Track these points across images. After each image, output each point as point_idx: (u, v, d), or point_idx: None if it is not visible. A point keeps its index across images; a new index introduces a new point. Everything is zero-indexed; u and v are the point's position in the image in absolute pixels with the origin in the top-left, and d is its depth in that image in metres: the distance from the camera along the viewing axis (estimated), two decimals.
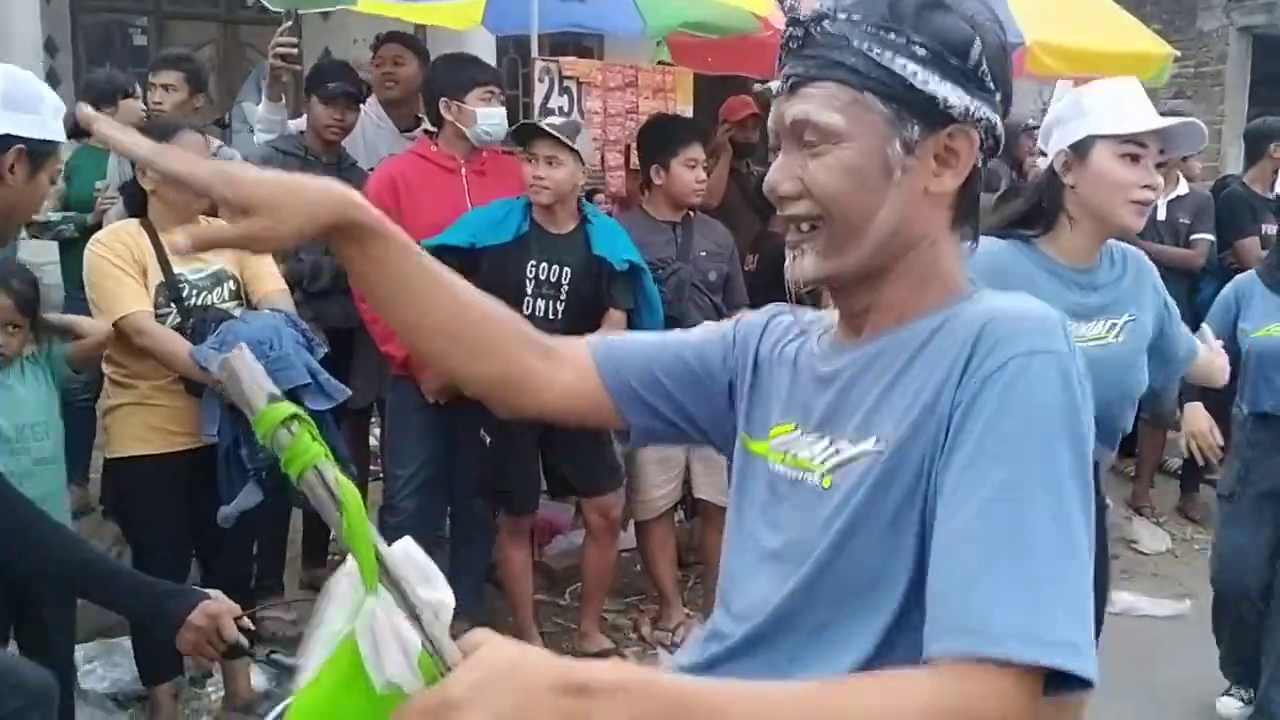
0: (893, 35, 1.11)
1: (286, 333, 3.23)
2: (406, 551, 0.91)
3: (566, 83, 4.73)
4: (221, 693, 3.60)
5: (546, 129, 3.69)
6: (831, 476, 1.14)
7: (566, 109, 4.75)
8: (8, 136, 2.23)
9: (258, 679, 3.69)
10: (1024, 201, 2.35)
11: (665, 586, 4.31)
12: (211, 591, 2.16)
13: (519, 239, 3.68)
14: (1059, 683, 0.95)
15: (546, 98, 4.69)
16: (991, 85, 1.15)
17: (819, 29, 1.15)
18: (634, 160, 5.01)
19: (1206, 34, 9.80)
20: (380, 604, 0.86)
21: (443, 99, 3.83)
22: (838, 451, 1.15)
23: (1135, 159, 2.16)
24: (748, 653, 1.18)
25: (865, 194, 1.13)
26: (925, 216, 1.15)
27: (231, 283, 3.39)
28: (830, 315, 1.29)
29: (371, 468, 4.94)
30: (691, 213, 4.13)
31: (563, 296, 3.71)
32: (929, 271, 1.17)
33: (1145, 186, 2.15)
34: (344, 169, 4.25)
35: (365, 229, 1.20)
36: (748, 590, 1.22)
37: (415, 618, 0.86)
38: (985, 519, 0.98)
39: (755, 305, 1.48)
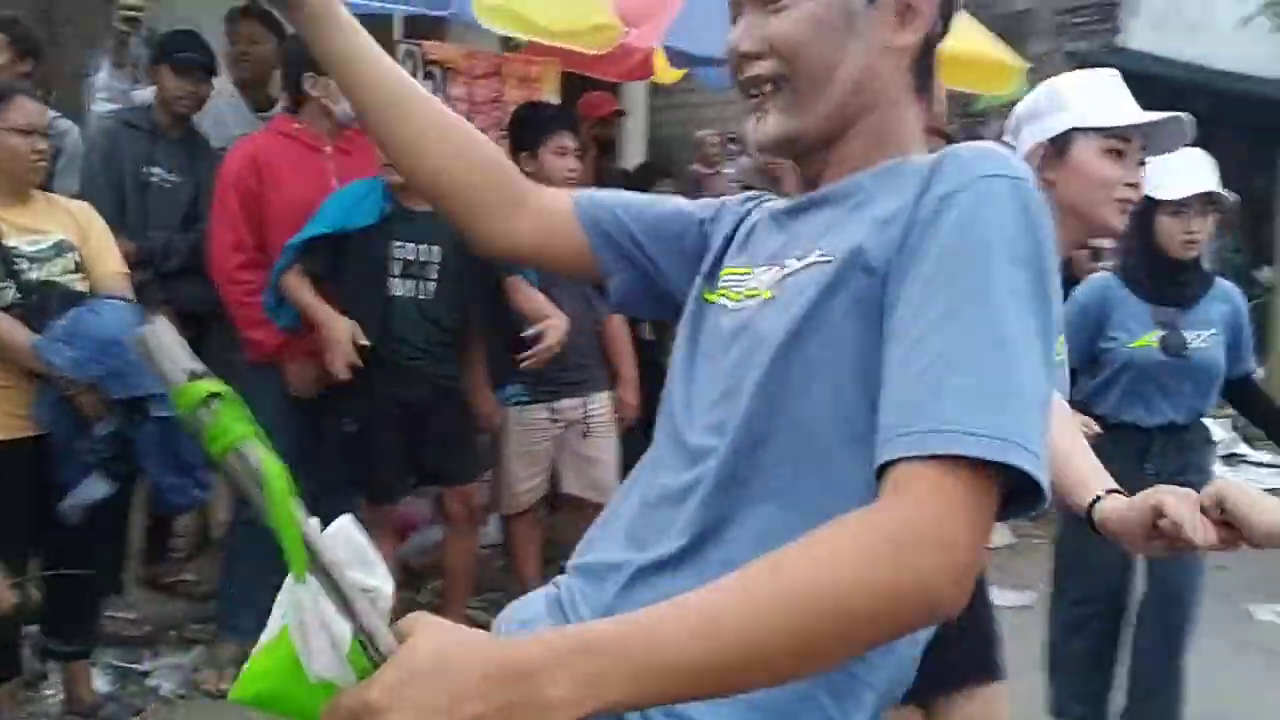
0: None
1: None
2: (344, 533, 0.84)
3: (430, 68, 4.63)
4: (61, 696, 3.37)
5: None
6: (773, 290, 1.10)
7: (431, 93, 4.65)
8: None
9: (99, 682, 3.48)
10: None
11: (528, 581, 4.24)
12: None
13: (382, 220, 3.57)
14: (1010, 501, 0.92)
15: None
16: None
17: None
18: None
19: (1036, 57, 10.32)
20: (308, 592, 0.79)
21: (308, 75, 3.68)
22: (783, 268, 1.11)
23: (1119, 154, 2.00)
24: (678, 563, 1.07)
25: (827, 44, 1.12)
26: (886, 74, 1.14)
27: (74, 255, 3.18)
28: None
29: None
30: None
31: (433, 276, 3.61)
32: (887, 132, 1.15)
33: (1130, 185, 2.00)
34: (195, 144, 4.08)
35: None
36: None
37: (347, 607, 0.79)
38: (947, 327, 0.93)
39: None
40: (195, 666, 3.72)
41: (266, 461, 0.80)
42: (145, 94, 4.12)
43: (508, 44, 4.76)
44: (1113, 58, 9.64)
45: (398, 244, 3.59)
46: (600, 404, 4.10)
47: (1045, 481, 0.90)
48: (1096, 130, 1.99)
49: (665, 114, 8.42)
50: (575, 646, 0.80)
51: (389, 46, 4.19)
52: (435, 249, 3.62)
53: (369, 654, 0.79)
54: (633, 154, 6.91)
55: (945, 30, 1.18)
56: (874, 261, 1.01)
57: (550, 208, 1.32)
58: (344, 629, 0.79)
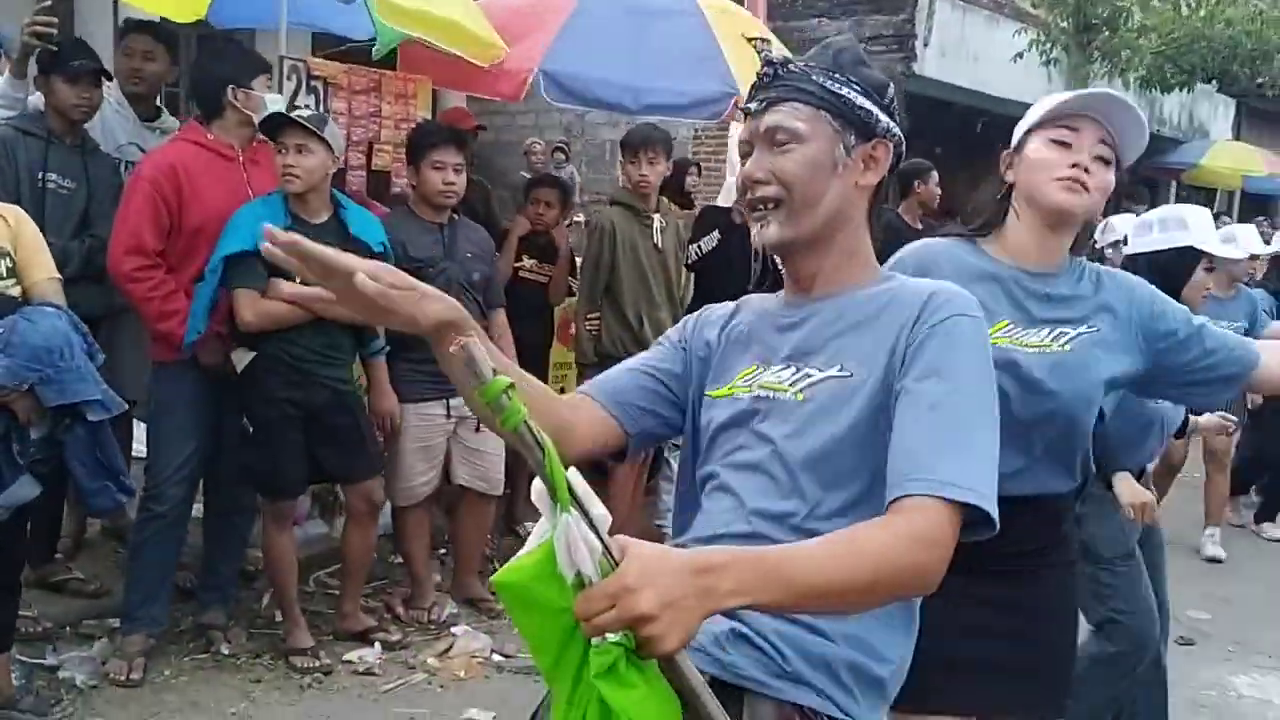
0: (838, 75, 1.60)
1: (76, 340, 3.19)
2: (579, 481, 1.20)
3: (314, 82, 4.82)
4: None
5: (295, 119, 3.82)
6: (804, 393, 1.54)
7: (313, 108, 4.84)
8: None
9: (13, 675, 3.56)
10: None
11: (419, 569, 4.51)
12: None
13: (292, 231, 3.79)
14: (971, 525, 1.39)
15: (294, 96, 4.75)
16: (897, 118, 1.64)
17: (785, 69, 1.63)
18: (375, 161, 5.20)
19: None
20: (572, 518, 1.16)
21: (230, 87, 3.85)
22: (808, 375, 1.55)
23: (1066, 145, 2.16)
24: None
25: (818, 180, 1.57)
26: (854, 204, 1.60)
27: (7, 260, 3.28)
28: (751, 300, 1.74)
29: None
30: (455, 215, 4.37)
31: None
32: (855, 247, 1.62)
33: (1073, 165, 2.13)
34: (89, 151, 4.16)
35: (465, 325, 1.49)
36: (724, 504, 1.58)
37: (593, 527, 1.17)
38: (935, 411, 1.42)
39: None
40: (103, 658, 3.83)
41: (540, 432, 1.17)
42: (37, 99, 4.16)
43: (385, 62, 4.98)
44: (908, 83, 10.55)
45: None
46: None
47: (996, 520, 1.39)
48: (1044, 123, 2.20)
49: (482, 120, 8.71)
50: (738, 559, 1.24)
51: (273, 60, 4.43)
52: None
53: (610, 559, 1.17)
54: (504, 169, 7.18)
55: (897, 166, 1.66)
56: (883, 381, 1.49)
57: (587, 420, 1.65)
58: (595, 542, 1.16)
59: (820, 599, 1.29)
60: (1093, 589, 3.19)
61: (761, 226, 1.60)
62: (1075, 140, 2.16)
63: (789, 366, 1.58)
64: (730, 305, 1.76)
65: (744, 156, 1.65)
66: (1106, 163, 2.18)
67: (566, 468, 1.17)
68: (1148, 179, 13.97)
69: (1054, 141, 2.17)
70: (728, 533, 1.53)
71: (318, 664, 3.92)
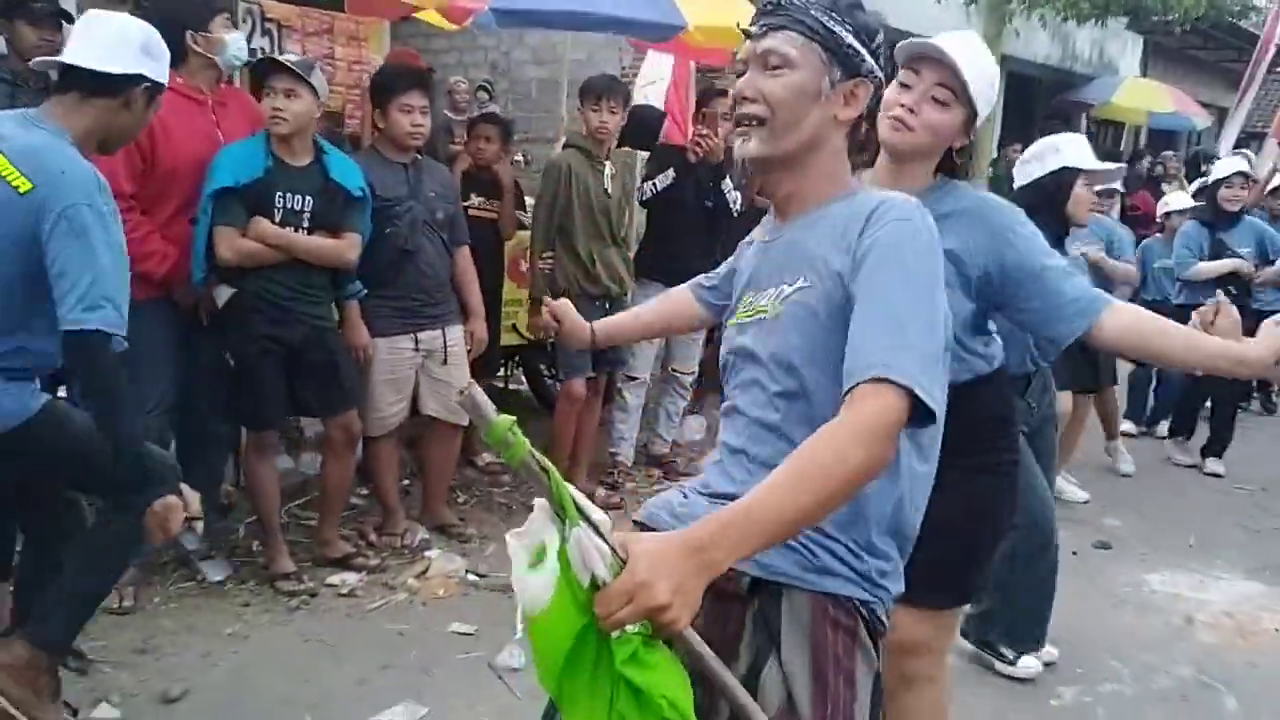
0: (834, 14, 1.76)
1: None
2: (580, 495, 1.37)
3: (268, 24, 4.89)
4: None
5: (284, 63, 3.95)
6: (779, 308, 1.71)
7: (268, 50, 4.93)
8: (140, 76, 3.00)
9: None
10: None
11: (390, 498, 4.70)
12: None
13: (267, 173, 3.92)
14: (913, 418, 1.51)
15: (249, 38, 4.83)
16: (883, 62, 1.82)
17: (789, 1, 1.77)
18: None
19: None
20: (583, 531, 1.33)
21: (189, 31, 3.93)
22: (781, 291, 1.72)
23: (907, 86, 2.39)
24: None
25: (801, 105, 1.72)
26: (831, 133, 1.75)
27: None
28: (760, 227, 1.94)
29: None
30: (420, 155, 4.51)
31: (305, 224, 4.03)
32: (831, 172, 1.77)
33: (901, 105, 2.36)
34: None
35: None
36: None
37: (601, 535, 1.34)
38: (880, 308, 1.55)
39: None
40: None
41: (543, 460, 1.34)
42: (0, 44, 4.19)
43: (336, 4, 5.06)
44: None
45: (280, 194, 3.96)
46: (456, 335, 4.61)
47: (941, 414, 1.53)
48: (897, 67, 2.43)
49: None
50: (721, 527, 1.38)
51: (232, 4, 4.50)
52: (308, 199, 4.01)
53: (618, 559, 1.33)
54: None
55: (874, 113, 1.82)
56: (839, 281, 1.64)
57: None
58: (604, 548, 1.34)
59: (800, 522, 1.45)
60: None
61: (744, 140, 1.77)
62: (915, 82, 2.38)
63: (771, 286, 1.75)
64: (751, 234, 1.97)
65: (739, 75, 1.81)
66: (942, 103, 2.36)
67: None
68: (1061, 114, 14.40)
69: (900, 84, 2.39)
70: (742, 450, 1.74)
71: (303, 587, 4.11)
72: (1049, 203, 3.74)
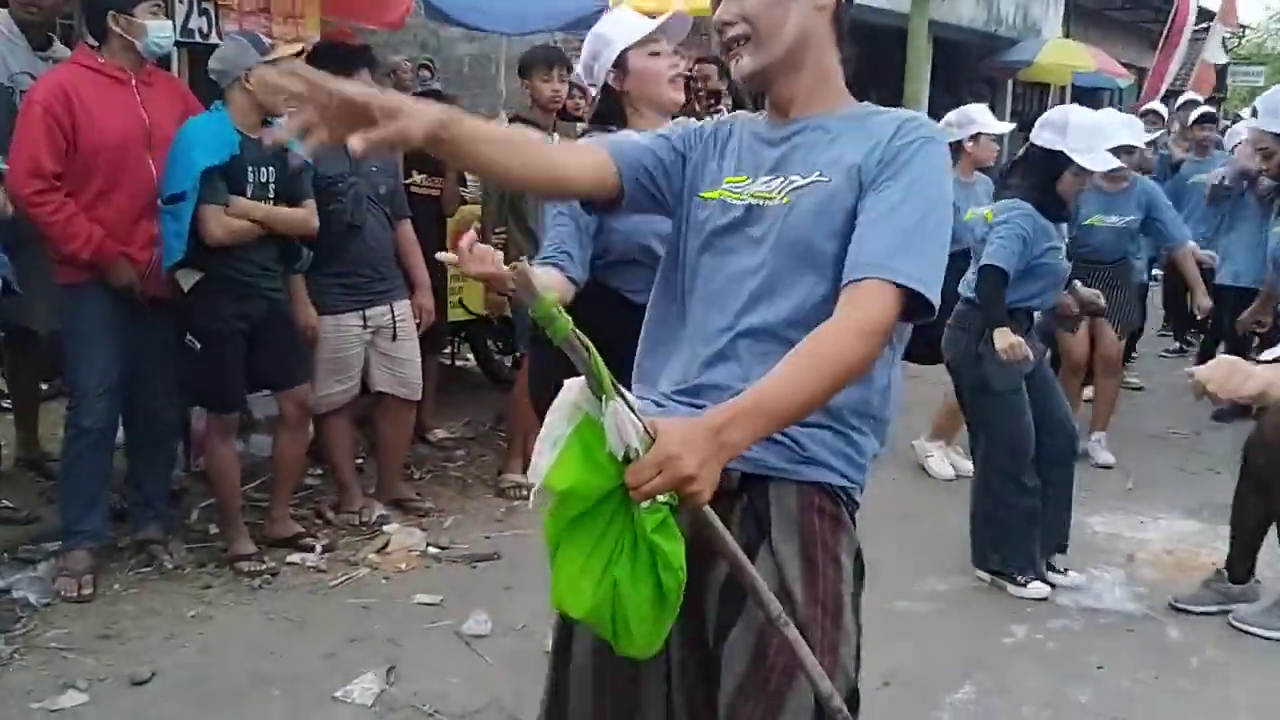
0: None
1: None
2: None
3: (205, 4, 4.84)
4: None
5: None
6: (789, 197, 1.74)
7: (206, 30, 4.88)
8: None
9: None
10: (597, 118, 3.04)
11: (344, 475, 4.71)
12: None
13: (240, 148, 3.96)
14: (911, 314, 1.64)
15: (186, 18, 4.78)
16: None
17: None
18: None
19: None
20: (619, 404, 1.40)
21: (111, 12, 3.88)
22: (792, 182, 1.75)
23: (657, 54, 2.94)
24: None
25: (778, 9, 1.76)
26: (816, 24, 1.79)
27: None
28: (738, 116, 1.95)
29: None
30: None
31: (271, 195, 4.07)
32: (824, 70, 1.82)
33: (674, 67, 2.96)
34: None
35: (453, 123, 1.56)
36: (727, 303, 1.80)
37: (634, 411, 1.41)
38: (898, 209, 1.64)
39: None
40: (52, 577, 3.94)
41: (585, 339, 1.38)
42: None
43: None
44: None
45: (250, 168, 3.98)
46: (404, 310, 4.61)
47: (935, 302, 1.64)
48: (636, 44, 2.94)
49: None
50: (736, 413, 1.49)
51: None
52: (271, 170, 4.03)
53: (648, 434, 1.41)
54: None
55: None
56: (865, 175, 1.70)
57: (594, 168, 1.82)
58: (637, 423, 1.41)
59: (803, 412, 1.57)
60: (981, 421, 4.23)
61: (736, 62, 1.81)
62: (661, 48, 2.96)
63: (776, 177, 1.77)
64: (714, 120, 1.97)
65: (714, 5, 1.84)
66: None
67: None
68: (987, 78, 14.64)
69: (651, 54, 2.95)
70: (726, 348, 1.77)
71: (264, 566, 4.11)
72: (1042, 173, 4.15)
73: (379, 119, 1.41)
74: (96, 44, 4.00)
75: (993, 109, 8.65)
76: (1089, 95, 16.75)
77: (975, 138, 5.90)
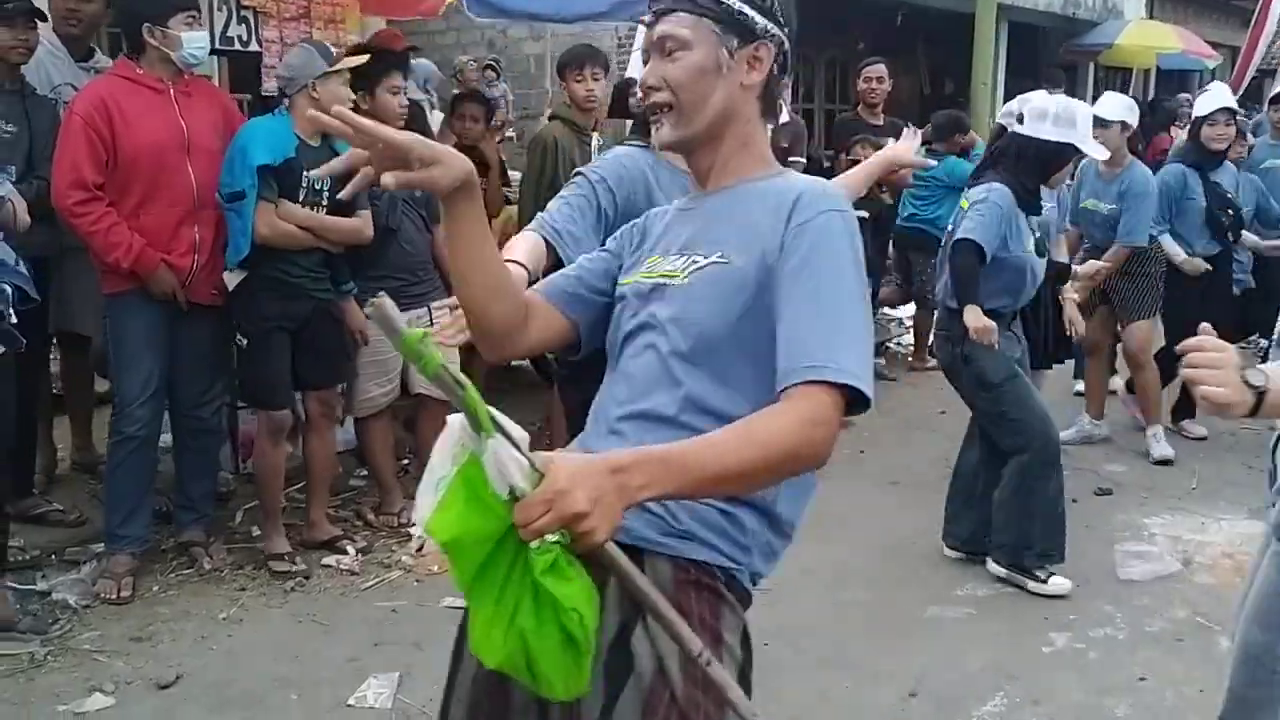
0: None
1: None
2: (497, 412, 1.34)
3: (244, 12, 4.89)
4: None
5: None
6: (689, 278, 1.67)
7: (245, 38, 4.93)
8: None
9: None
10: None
11: (385, 477, 4.74)
12: None
13: (297, 151, 4.04)
14: (849, 407, 1.52)
15: (226, 26, 4.84)
16: (781, 20, 1.79)
17: None
18: None
19: None
20: (498, 442, 1.30)
21: (146, 24, 3.95)
22: (695, 261, 1.68)
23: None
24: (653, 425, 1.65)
25: (704, 84, 1.71)
26: (742, 102, 1.74)
27: None
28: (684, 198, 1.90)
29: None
30: None
31: (324, 202, 4.12)
32: (748, 141, 1.76)
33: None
34: (28, 95, 4.24)
35: (474, 187, 1.58)
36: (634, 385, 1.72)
37: (518, 446, 1.31)
38: (815, 303, 1.54)
39: None
40: (93, 580, 4.03)
41: (457, 372, 1.29)
42: None
43: None
44: None
45: (304, 173, 4.03)
46: (441, 310, 4.61)
47: (869, 394, 1.53)
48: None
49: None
50: (643, 458, 1.39)
51: None
52: (328, 178, 4.04)
53: (536, 471, 1.30)
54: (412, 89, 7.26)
55: (784, 73, 1.81)
56: (759, 267, 1.61)
57: (540, 317, 1.77)
58: (522, 460, 1.31)
59: (722, 483, 1.45)
60: (993, 418, 4.14)
61: (657, 128, 1.77)
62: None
63: (682, 255, 1.71)
64: (653, 211, 1.93)
65: (645, 64, 1.80)
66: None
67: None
68: (1067, 63, 14.23)
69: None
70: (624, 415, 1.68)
71: (297, 568, 4.16)
72: (1041, 165, 4.09)
73: (415, 164, 1.49)
74: (135, 55, 4.08)
75: (1072, 95, 8.38)
76: (1175, 78, 16.23)
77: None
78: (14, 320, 3.43)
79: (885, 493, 5.21)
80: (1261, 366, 1.78)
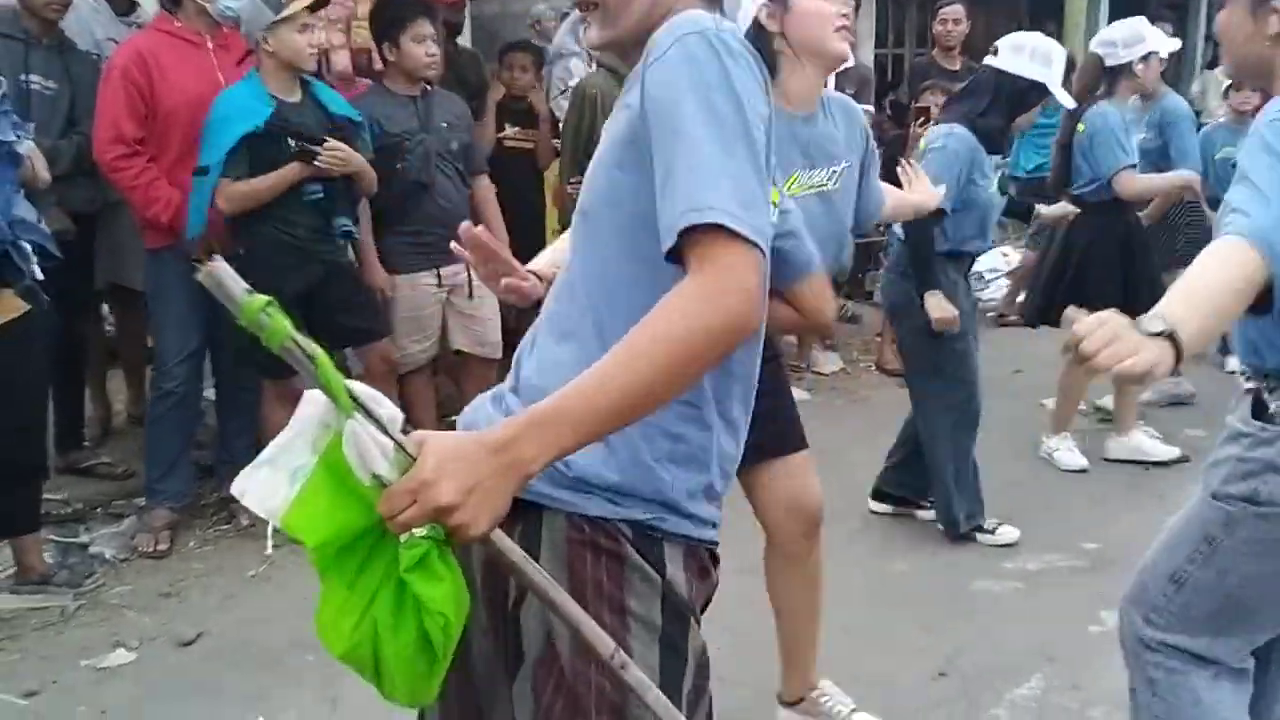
0: None
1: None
2: (361, 387, 1.20)
3: None
4: (13, 570, 3.69)
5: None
6: (594, 161, 1.48)
7: None
8: None
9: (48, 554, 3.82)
10: None
11: None
12: None
13: (274, 115, 3.87)
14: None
15: None
16: None
17: None
18: (354, 38, 5.22)
19: None
20: (357, 422, 1.17)
21: None
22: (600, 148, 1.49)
23: None
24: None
25: None
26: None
27: None
28: None
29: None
30: (429, 86, 4.41)
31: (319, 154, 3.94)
32: None
33: (843, 14, 2.45)
34: (67, 50, 4.23)
35: None
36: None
37: (382, 428, 1.18)
38: (681, 143, 1.27)
39: None
40: (131, 534, 4.07)
41: (307, 343, 1.17)
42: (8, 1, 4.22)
43: None
44: None
45: (289, 136, 3.90)
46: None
47: (766, 249, 1.28)
48: None
49: None
50: (531, 422, 1.21)
51: None
52: (329, 141, 3.94)
53: (406, 455, 1.17)
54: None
55: None
56: (634, 124, 1.38)
57: None
58: (385, 443, 1.18)
59: (635, 409, 1.24)
60: (926, 369, 3.96)
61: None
62: None
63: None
64: None
65: None
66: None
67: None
68: (1175, 3, 13.49)
69: None
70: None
71: None
72: (1009, 103, 3.84)
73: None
74: (173, 8, 4.05)
75: (1183, 33, 7.86)
76: None
77: (1145, 58, 5.17)
78: (40, 277, 3.43)
79: None
80: (1154, 311, 1.58)
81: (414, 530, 1.19)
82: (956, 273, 3.92)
